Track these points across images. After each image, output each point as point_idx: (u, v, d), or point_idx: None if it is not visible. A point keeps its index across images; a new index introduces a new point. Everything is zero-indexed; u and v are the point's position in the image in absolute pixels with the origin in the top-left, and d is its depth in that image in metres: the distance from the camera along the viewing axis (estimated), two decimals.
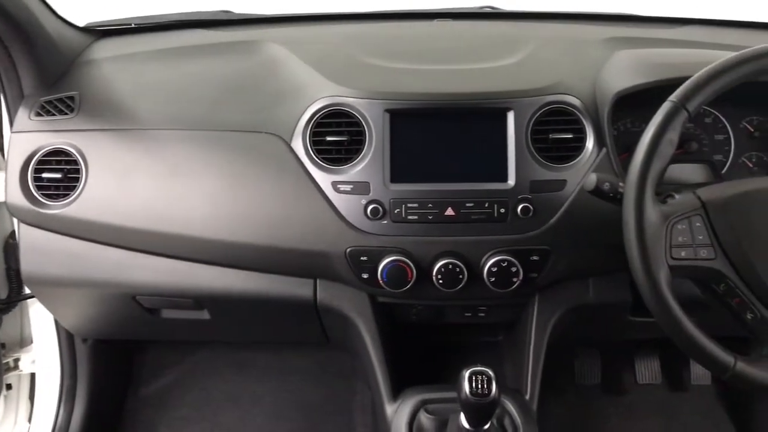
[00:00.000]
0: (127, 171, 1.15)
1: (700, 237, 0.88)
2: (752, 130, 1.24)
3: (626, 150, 1.20)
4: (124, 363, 1.77)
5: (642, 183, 0.88)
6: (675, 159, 1.22)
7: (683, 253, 0.88)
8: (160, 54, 1.31)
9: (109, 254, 1.20)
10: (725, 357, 0.87)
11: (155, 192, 1.15)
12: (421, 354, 1.32)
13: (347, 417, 1.73)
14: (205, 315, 1.30)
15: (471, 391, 0.92)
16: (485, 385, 0.92)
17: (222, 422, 1.72)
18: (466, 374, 0.94)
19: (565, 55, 1.24)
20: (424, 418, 1.11)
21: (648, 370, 1.71)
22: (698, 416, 1.72)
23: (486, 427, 0.99)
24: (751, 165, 1.26)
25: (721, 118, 1.24)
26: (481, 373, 0.93)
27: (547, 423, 1.64)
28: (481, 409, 0.96)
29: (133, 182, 1.15)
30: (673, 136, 0.88)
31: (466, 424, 0.99)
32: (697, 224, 0.88)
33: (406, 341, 1.30)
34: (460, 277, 1.11)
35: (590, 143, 1.12)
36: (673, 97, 0.89)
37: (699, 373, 1.71)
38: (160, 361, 1.80)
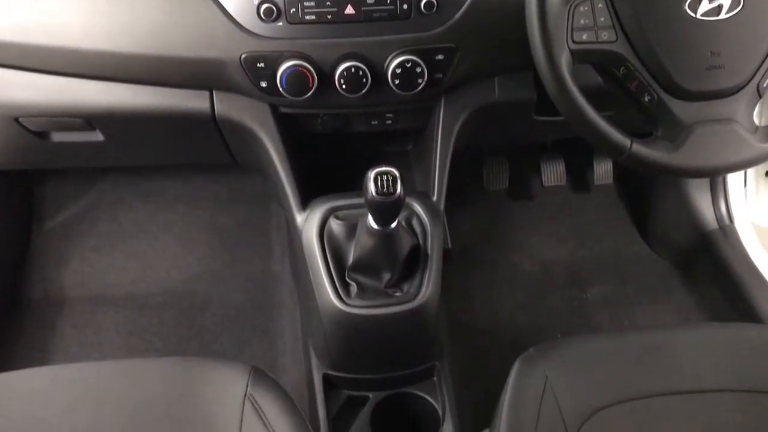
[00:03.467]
0: None
1: (602, 19, 0.86)
2: None
3: None
4: (24, 197, 1.69)
5: None
6: None
7: (585, 36, 0.86)
8: None
9: None
10: (622, 138, 0.89)
11: (27, 2, 1.03)
12: (330, 167, 1.30)
13: (263, 238, 1.74)
14: (98, 136, 1.22)
15: (377, 191, 0.92)
16: (391, 184, 0.92)
17: (134, 250, 1.70)
18: (372, 174, 0.92)
19: None
20: (333, 224, 1.11)
21: (553, 173, 1.76)
22: (601, 214, 1.82)
23: (393, 225, 1.00)
24: None
25: None
26: (387, 173, 0.92)
27: (457, 229, 1.70)
28: (387, 209, 0.96)
29: None
30: None
31: (374, 224, 1.00)
32: (600, 6, 0.86)
33: (313, 154, 1.28)
34: (364, 80, 1.07)
35: None
36: None
37: (601, 173, 1.77)
38: (63, 193, 1.74)
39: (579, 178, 1.81)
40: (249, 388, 0.92)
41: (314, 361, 1.23)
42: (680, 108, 0.90)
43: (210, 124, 1.16)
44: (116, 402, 0.91)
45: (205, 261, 1.69)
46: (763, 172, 1.66)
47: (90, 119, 1.16)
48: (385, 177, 0.92)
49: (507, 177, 1.74)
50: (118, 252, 1.69)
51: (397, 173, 0.93)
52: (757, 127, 0.92)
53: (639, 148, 0.89)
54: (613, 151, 0.90)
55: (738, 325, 1.21)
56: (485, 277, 1.69)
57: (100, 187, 1.76)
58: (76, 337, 1.56)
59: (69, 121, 1.17)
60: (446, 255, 1.20)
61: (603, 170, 1.78)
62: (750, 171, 1.66)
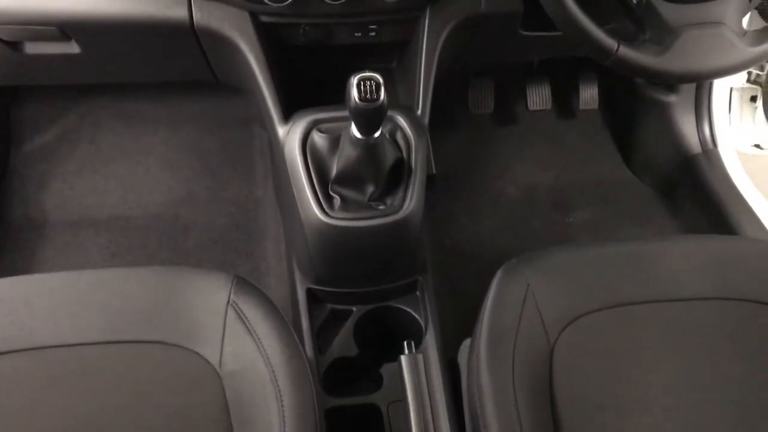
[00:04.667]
0: None
1: None
2: None
3: None
4: (1, 118, 1.65)
5: None
6: None
7: None
8: None
9: None
10: (609, 41, 0.88)
11: None
12: (313, 83, 1.28)
13: (246, 162, 1.72)
14: (74, 48, 1.19)
15: (360, 97, 0.90)
16: (374, 90, 0.90)
17: (115, 173, 1.67)
18: (354, 80, 0.91)
19: None
20: (316, 136, 1.09)
21: (539, 97, 1.75)
22: (585, 139, 1.81)
23: (377, 135, 0.99)
24: None
25: None
26: (370, 78, 0.91)
27: (442, 154, 1.69)
28: (370, 115, 0.94)
29: None
30: None
31: (357, 133, 0.98)
32: None
33: (295, 69, 1.25)
34: None
35: None
36: None
37: (586, 98, 1.76)
38: (40, 115, 1.70)
39: (564, 102, 1.79)
40: (232, 295, 0.92)
41: (298, 276, 1.23)
42: (668, 10, 0.88)
43: (188, 34, 1.13)
44: (98, 307, 0.91)
45: (187, 184, 1.68)
46: (748, 97, 1.65)
47: (64, 28, 1.13)
48: (368, 82, 0.90)
49: (492, 100, 1.72)
50: (99, 175, 1.67)
51: (380, 78, 0.91)
52: (745, 31, 0.91)
53: (626, 51, 0.88)
54: (599, 53, 0.89)
55: (716, 237, 1.23)
56: (469, 202, 1.69)
57: (79, 109, 1.72)
58: (56, 258, 1.55)
59: (43, 30, 1.14)
60: (430, 180, 1.20)
61: (588, 95, 1.77)
62: (735, 96, 1.65)
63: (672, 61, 0.89)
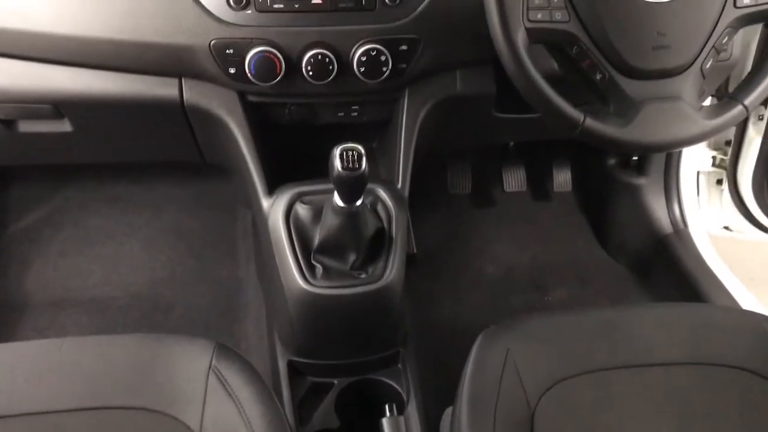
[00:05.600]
0: None
1: (555, 0, 0.91)
2: None
3: None
4: None
5: None
6: None
7: (539, 16, 0.91)
8: None
9: None
10: (576, 113, 0.93)
11: None
12: (297, 160, 1.33)
13: (228, 243, 1.75)
14: (66, 126, 1.23)
15: (342, 166, 0.95)
16: (356, 159, 0.95)
17: (99, 255, 1.69)
18: (337, 150, 0.95)
19: None
20: (300, 207, 1.13)
21: (514, 179, 1.81)
22: (560, 221, 1.87)
23: (358, 203, 1.03)
24: None
25: None
26: (352, 148, 0.95)
27: (422, 234, 1.73)
28: (353, 184, 0.98)
29: None
30: None
31: (339, 202, 1.02)
32: None
33: (281, 147, 1.30)
34: (330, 67, 1.10)
35: None
36: None
37: (560, 181, 1.83)
38: (28, 197, 1.73)
39: (539, 185, 1.86)
40: (213, 361, 0.93)
41: (279, 348, 1.24)
42: (630, 86, 0.95)
43: (178, 112, 1.18)
44: (80, 374, 0.91)
45: (170, 265, 1.70)
46: (714, 180, 1.73)
47: (59, 105, 1.18)
48: (350, 152, 0.95)
49: (470, 182, 1.78)
50: (83, 256, 1.69)
51: (362, 149, 0.96)
52: (702, 105, 0.98)
53: (591, 123, 0.94)
54: (567, 125, 0.94)
55: (688, 304, 1.26)
56: (450, 281, 1.72)
57: (66, 192, 1.76)
58: (37, 339, 1.54)
59: (37, 108, 1.18)
60: (411, 259, 1.23)
61: (562, 178, 1.84)
62: (702, 179, 1.73)
63: (635, 133, 0.95)
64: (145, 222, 1.75)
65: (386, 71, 1.12)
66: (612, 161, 1.77)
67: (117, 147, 1.41)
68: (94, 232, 1.72)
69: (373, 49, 1.10)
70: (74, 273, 1.66)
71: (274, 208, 1.14)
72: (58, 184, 1.76)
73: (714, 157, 1.68)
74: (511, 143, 1.80)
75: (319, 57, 1.09)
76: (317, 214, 1.11)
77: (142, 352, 0.95)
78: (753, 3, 0.95)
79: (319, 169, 1.13)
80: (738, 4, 0.95)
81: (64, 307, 1.60)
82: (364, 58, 1.10)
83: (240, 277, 1.69)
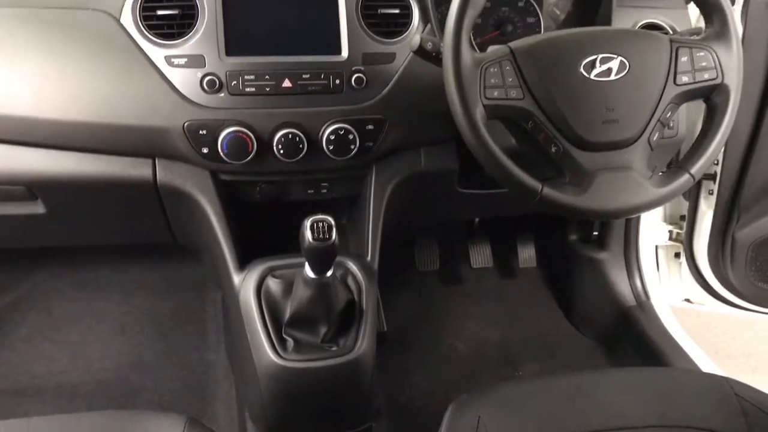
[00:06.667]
0: None
1: (510, 79, 0.98)
2: (558, 11, 1.38)
3: None
4: None
5: (458, 29, 0.95)
6: (492, 41, 1.34)
7: (496, 93, 0.97)
8: None
9: None
10: (534, 183, 0.98)
11: None
12: (267, 235, 1.35)
13: (198, 326, 1.74)
14: (39, 208, 1.25)
15: (313, 237, 0.98)
16: (326, 230, 0.98)
17: (66, 340, 1.67)
18: (308, 222, 0.99)
19: None
20: (271, 281, 1.15)
21: (481, 255, 1.86)
22: (527, 296, 1.91)
23: (329, 274, 1.05)
24: None
25: (532, 2, 1.36)
26: (322, 220, 0.99)
27: (392, 312, 1.75)
28: (323, 254, 1.01)
29: None
30: None
31: (310, 273, 1.05)
32: (507, 68, 0.98)
33: (252, 223, 1.33)
34: (301, 146, 1.15)
35: (416, 19, 1.20)
36: None
37: (525, 257, 1.88)
38: None
39: (505, 260, 1.90)
40: None
41: (250, 426, 1.23)
42: (583, 157, 1.00)
43: (151, 192, 1.21)
44: None
45: (138, 349, 1.68)
46: (672, 253, 1.79)
47: (33, 187, 1.20)
48: (320, 224, 0.98)
49: (437, 258, 1.82)
50: (50, 342, 1.67)
51: (332, 220, 0.99)
52: (651, 174, 1.04)
53: (549, 191, 0.99)
54: (526, 194, 0.99)
55: (653, 369, 1.28)
56: (421, 358, 1.72)
57: (34, 277, 1.75)
58: None
59: (10, 190, 1.20)
60: (381, 337, 1.24)
61: (527, 254, 1.89)
62: (661, 252, 1.79)
63: (590, 200, 0.99)
64: (114, 306, 1.74)
65: (354, 149, 1.17)
66: (573, 236, 1.83)
67: (89, 229, 1.42)
68: (61, 317, 1.71)
69: (341, 129, 1.16)
70: (40, 359, 1.63)
71: (246, 283, 1.16)
72: (27, 268, 1.75)
73: (671, 231, 1.75)
74: (476, 219, 1.86)
75: (290, 136, 1.14)
76: (288, 288, 1.13)
77: (113, 430, 0.93)
78: (691, 81, 1.02)
79: (290, 245, 1.16)
80: (678, 82, 1.02)
81: (28, 394, 1.57)
82: (333, 137, 1.16)
83: (209, 359, 1.67)
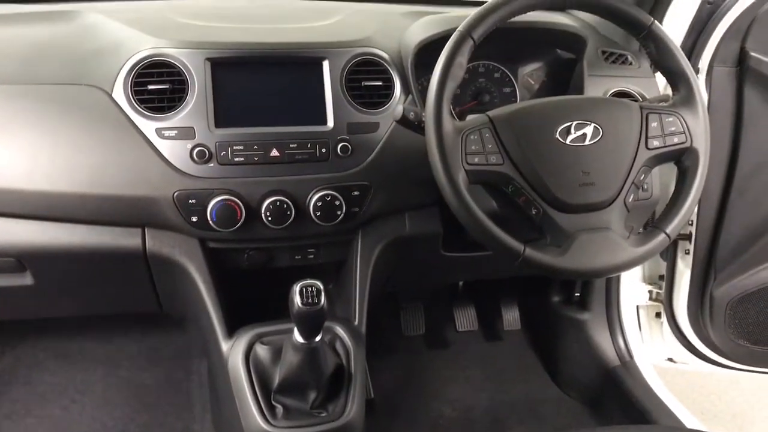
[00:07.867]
0: None
1: (490, 146, 1.02)
2: (532, 82, 1.44)
3: None
4: None
5: (439, 99, 1.00)
6: (471, 110, 1.40)
7: (476, 159, 1.01)
8: None
9: None
10: (516, 244, 1.01)
11: None
12: (255, 303, 1.36)
13: (183, 397, 1.72)
14: (27, 280, 1.25)
15: (302, 302, 0.99)
16: (314, 294, 1.00)
17: (49, 414, 1.64)
18: (297, 287, 1.01)
19: (372, 21, 1.37)
20: (259, 348, 1.16)
21: (466, 319, 1.87)
22: (513, 360, 1.91)
23: (318, 339, 1.07)
24: None
25: (508, 73, 1.43)
26: (311, 285, 1.01)
27: (379, 377, 1.75)
28: (312, 319, 1.03)
29: None
30: (462, 60, 1.02)
31: (299, 338, 1.06)
32: (487, 135, 1.03)
33: (240, 290, 1.34)
34: (288, 213, 1.18)
35: (398, 90, 1.26)
36: (461, 27, 1.04)
37: (509, 320, 1.90)
38: None
39: (490, 324, 1.92)
40: None
41: None
42: (563, 219, 1.04)
43: (140, 261, 1.23)
44: None
45: (123, 421, 1.65)
46: (653, 313, 1.82)
47: (23, 259, 1.21)
48: (309, 288, 1.00)
49: (423, 323, 1.84)
50: (32, 417, 1.63)
51: (320, 285, 1.01)
52: (629, 234, 1.08)
53: (531, 252, 1.02)
54: (509, 255, 1.02)
55: (642, 427, 1.29)
56: (409, 425, 1.71)
57: (16, 350, 1.73)
58: None
59: (0, 262, 1.21)
60: (369, 404, 1.25)
61: (511, 317, 1.91)
62: (642, 312, 1.82)
63: (570, 261, 1.03)
64: (100, 378, 1.72)
65: (340, 215, 1.20)
66: (556, 298, 1.85)
67: (76, 300, 1.42)
68: (44, 391, 1.68)
69: (328, 195, 1.19)
70: None
71: (234, 350, 1.17)
72: (9, 342, 1.73)
73: (650, 291, 1.78)
74: (461, 283, 1.88)
75: (278, 203, 1.17)
76: (277, 354, 1.14)
77: None
78: (661, 145, 1.08)
79: (277, 311, 1.17)
80: (649, 146, 1.08)
81: None
82: (319, 203, 1.19)
83: (195, 430, 1.65)
